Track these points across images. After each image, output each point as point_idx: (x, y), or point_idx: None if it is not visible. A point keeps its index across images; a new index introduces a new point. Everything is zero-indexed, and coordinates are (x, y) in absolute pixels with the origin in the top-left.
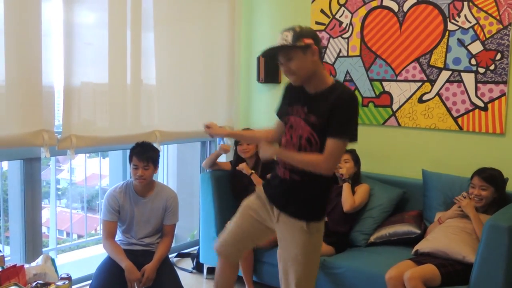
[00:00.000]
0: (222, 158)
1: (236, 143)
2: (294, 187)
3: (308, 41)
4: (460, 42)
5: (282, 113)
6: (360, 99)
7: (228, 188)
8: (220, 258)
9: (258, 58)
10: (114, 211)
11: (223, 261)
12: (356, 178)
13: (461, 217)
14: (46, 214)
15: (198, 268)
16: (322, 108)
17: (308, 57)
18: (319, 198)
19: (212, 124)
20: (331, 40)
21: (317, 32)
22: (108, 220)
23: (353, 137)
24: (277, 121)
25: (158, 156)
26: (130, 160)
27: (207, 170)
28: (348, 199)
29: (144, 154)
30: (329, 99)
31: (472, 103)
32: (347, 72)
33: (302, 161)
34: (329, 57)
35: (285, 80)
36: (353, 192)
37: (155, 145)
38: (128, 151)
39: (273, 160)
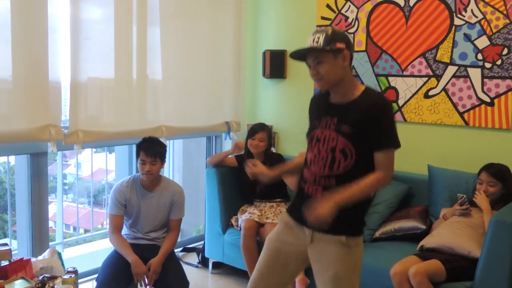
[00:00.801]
0: None
1: (248, 137)
2: None
3: (341, 45)
4: (467, 37)
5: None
6: None
7: (234, 183)
8: None
9: (264, 53)
10: (121, 205)
11: None
12: None
13: (464, 216)
14: (53, 208)
15: (204, 262)
16: (355, 116)
17: (339, 62)
18: (357, 212)
19: (257, 167)
20: None
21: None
22: (114, 214)
23: (399, 144)
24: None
25: (166, 151)
26: (138, 155)
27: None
28: None
29: (152, 149)
30: (362, 106)
31: (478, 98)
32: (353, 67)
33: (367, 189)
34: None
35: (290, 75)
36: None
37: (162, 140)
38: (134, 146)
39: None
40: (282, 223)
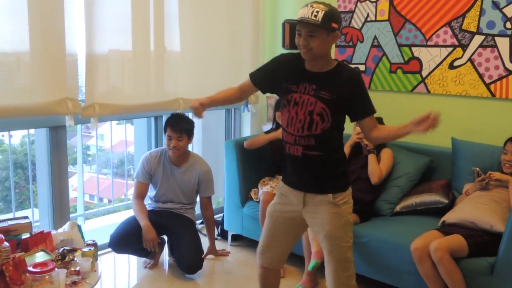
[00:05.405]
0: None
1: (276, 109)
2: (312, 162)
3: (335, 25)
4: (495, 5)
5: (263, 81)
6: (388, 65)
7: (253, 156)
8: (262, 268)
9: (283, 24)
10: (147, 174)
11: (265, 270)
12: (380, 145)
13: (486, 189)
14: (76, 180)
15: (223, 235)
16: (334, 85)
17: (329, 40)
18: (339, 170)
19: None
20: (358, 4)
21: None
22: (140, 181)
23: (375, 110)
24: (248, 82)
25: (193, 127)
26: (165, 131)
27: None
28: (376, 170)
29: (178, 125)
30: (340, 77)
31: (506, 69)
32: (375, 37)
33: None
34: (356, 22)
35: None
36: (378, 159)
37: (178, 112)
38: (153, 119)
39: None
40: (279, 193)
